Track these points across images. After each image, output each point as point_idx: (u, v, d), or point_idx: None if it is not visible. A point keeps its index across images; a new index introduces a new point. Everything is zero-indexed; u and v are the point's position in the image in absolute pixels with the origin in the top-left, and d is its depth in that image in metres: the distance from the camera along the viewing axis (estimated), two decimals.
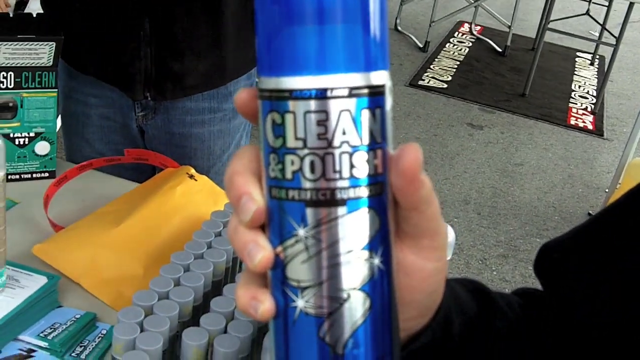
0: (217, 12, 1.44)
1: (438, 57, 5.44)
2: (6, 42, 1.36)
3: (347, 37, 0.40)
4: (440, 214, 0.48)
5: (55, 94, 1.43)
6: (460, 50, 5.67)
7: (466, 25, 6.14)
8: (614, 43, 4.77)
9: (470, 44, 5.84)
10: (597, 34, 5.64)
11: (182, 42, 1.45)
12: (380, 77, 0.43)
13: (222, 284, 1.13)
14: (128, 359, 0.96)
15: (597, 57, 5.89)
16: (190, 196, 1.36)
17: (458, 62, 5.41)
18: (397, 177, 0.45)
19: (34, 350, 1.08)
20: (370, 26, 0.41)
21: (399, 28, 5.78)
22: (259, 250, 0.45)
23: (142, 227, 1.28)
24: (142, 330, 1.00)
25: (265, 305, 0.45)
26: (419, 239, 0.48)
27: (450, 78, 5.07)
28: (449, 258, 1.22)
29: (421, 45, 5.49)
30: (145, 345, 0.97)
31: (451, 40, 5.85)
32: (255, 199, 0.45)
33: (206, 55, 1.49)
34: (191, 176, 1.38)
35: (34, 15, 1.53)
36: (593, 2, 5.58)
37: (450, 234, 1.27)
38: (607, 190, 3.66)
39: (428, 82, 4.93)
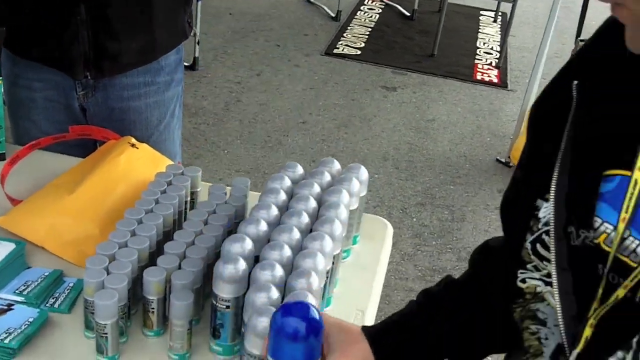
0: None
1: (350, 25, 5.64)
2: None
3: None
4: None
5: (0, 82, 1.56)
6: (371, 17, 5.88)
7: None
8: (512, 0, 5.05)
9: (380, 11, 6.06)
10: None
11: (117, 24, 1.58)
12: None
13: (171, 232, 1.31)
14: (99, 297, 1.13)
15: (500, 14, 6.18)
16: (134, 162, 1.52)
17: (370, 29, 5.61)
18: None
19: (12, 304, 1.23)
20: None
21: (311, 0, 5.95)
22: None
23: (94, 193, 1.43)
24: (108, 274, 1.17)
25: None
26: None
27: (363, 45, 5.28)
28: (363, 194, 1.43)
29: (333, 15, 5.68)
30: (113, 284, 1.15)
31: (361, 8, 6.05)
32: None
33: (139, 34, 1.63)
34: (132, 145, 1.54)
35: None
36: None
37: (364, 174, 1.47)
38: (512, 137, 3.93)
39: (342, 50, 5.13)
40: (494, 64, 5.22)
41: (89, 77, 1.65)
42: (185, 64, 4.48)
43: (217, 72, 4.57)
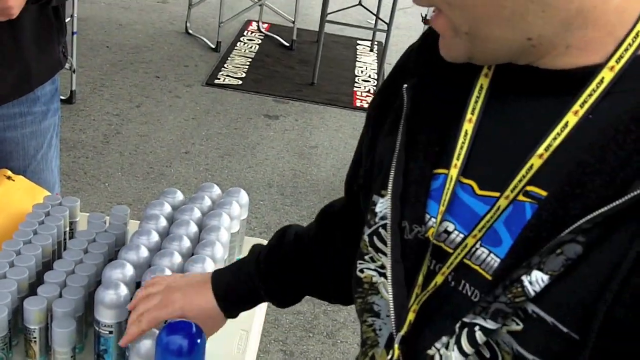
0: (16, 25, 1.54)
1: (230, 56, 5.68)
2: None
3: None
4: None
5: None
6: (251, 47, 5.95)
7: (254, 24, 6.43)
8: (386, 29, 5.23)
9: (260, 41, 6.14)
10: (374, 23, 6.12)
11: None
12: None
13: (51, 262, 1.30)
14: None
15: (376, 43, 6.39)
16: (10, 195, 1.50)
17: (250, 59, 5.68)
18: None
19: None
20: None
21: (190, 31, 5.97)
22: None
23: None
24: None
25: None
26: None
27: (244, 74, 5.33)
28: (244, 217, 1.47)
29: (213, 46, 5.71)
30: None
31: (241, 39, 6.11)
32: None
33: (11, 65, 1.61)
34: (9, 177, 1.53)
35: None
36: None
37: (244, 197, 1.51)
38: None
39: (223, 80, 5.16)
40: (372, 91, 5.39)
41: None
42: (62, 97, 4.41)
43: (95, 105, 4.50)
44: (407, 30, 6.84)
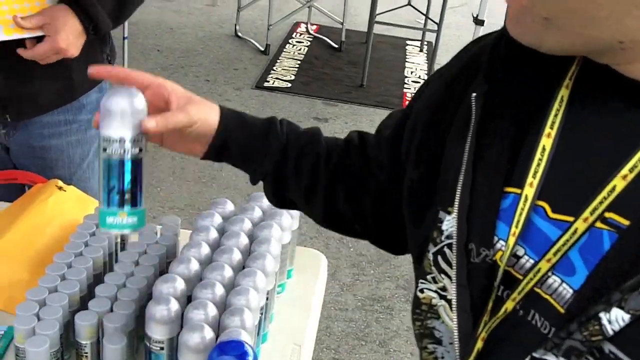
0: None
1: (279, 58, 5.68)
2: None
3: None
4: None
5: None
6: (300, 49, 5.94)
7: (302, 26, 6.42)
8: (436, 29, 5.17)
9: (309, 43, 6.13)
10: (423, 22, 6.06)
11: (30, 67, 1.56)
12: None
13: (102, 275, 1.30)
14: (31, 344, 1.11)
15: (426, 43, 6.32)
16: (62, 205, 1.50)
17: (299, 62, 5.67)
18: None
19: None
20: None
21: (239, 34, 5.98)
22: None
23: (22, 237, 1.42)
24: (39, 320, 1.15)
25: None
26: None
27: (293, 77, 5.32)
28: (295, 228, 1.44)
29: (262, 49, 5.72)
30: (44, 330, 1.13)
31: (290, 41, 6.11)
32: None
33: (55, 76, 1.62)
34: (60, 188, 1.53)
35: None
36: None
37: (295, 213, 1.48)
38: None
39: (273, 83, 5.16)
40: None
41: (8, 119, 1.64)
42: None
43: None
44: (458, 30, 6.76)
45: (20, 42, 1.52)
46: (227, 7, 6.63)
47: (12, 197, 1.62)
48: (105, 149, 0.91)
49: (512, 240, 0.71)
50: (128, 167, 0.91)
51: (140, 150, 0.93)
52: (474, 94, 0.77)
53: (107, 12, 1.56)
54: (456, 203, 0.75)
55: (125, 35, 4.33)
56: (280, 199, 1.11)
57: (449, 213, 0.77)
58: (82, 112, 1.72)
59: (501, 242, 0.72)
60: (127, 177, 0.92)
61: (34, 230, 1.44)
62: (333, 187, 1.03)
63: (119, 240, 1.43)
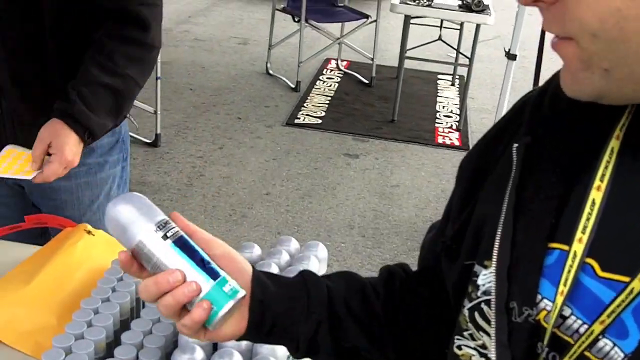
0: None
1: (310, 95, 5.71)
2: None
3: None
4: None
5: None
6: (330, 86, 5.97)
7: (333, 62, 6.46)
8: (468, 63, 5.16)
9: (339, 79, 6.15)
10: (454, 56, 6.06)
11: (37, 115, 1.60)
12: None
13: (129, 321, 1.29)
14: None
15: (457, 77, 6.31)
16: (90, 250, 1.50)
17: (329, 98, 5.69)
18: None
19: None
20: None
21: (270, 72, 6.03)
22: None
23: (51, 282, 1.42)
24: None
25: None
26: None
27: (323, 113, 5.34)
28: (323, 272, 1.43)
29: (293, 86, 5.75)
30: None
31: (320, 77, 6.14)
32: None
33: None
34: (88, 232, 1.53)
35: None
36: (445, 27, 6.01)
37: (323, 251, 1.47)
38: None
39: (303, 120, 5.17)
40: (454, 126, 5.30)
41: None
42: (147, 140, 4.51)
43: (179, 147, 4.57)
44: (490, 63, 6.75)
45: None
46: (258, 45, 6.70)
47: (34, 237, 1.64)
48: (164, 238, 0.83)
49: (559, 299, 0.67)
50: (175, 251, 0.81)
51: (169, 231, 0.82)
52: (515, 145, 0.75)
53: (104, 115, 1.60)
54: (494, 257, 0.73)
55: (158, 75, 4.38)
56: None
57: (486, 267, 0.75)
58: (92, 155, 1.74)
59: (545, 301, 0.69)
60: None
61: (62, 275, 1.44)
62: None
63: None
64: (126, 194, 0.85)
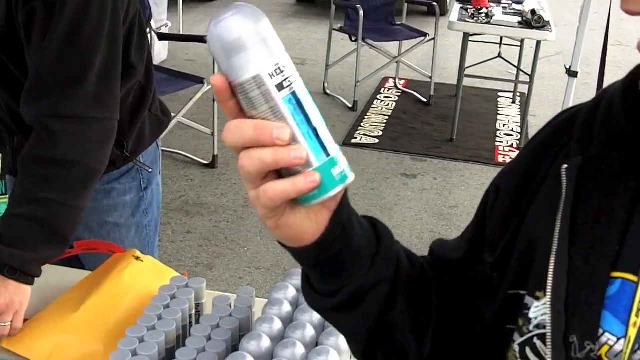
0: None
1: (367, 114, 5.68)
2: None
3: None
4: None
5: (6, 200, 1.57)
6: (388, 105, 5.93)
7: (391, 81, 6.42)
8: (529, 80, 5.06)
9: (397, 98, 6.11)
10: (515, 73, 5.96)
11: None
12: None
13: (174, 350, 1.27)
14: None
15: (518, 94, 6.19)
16: (138, 276, 1.50)
17: (387, 117, 5.65)
18: None
19: None
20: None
21: (328, 91, 6.02)
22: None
23: (98, 310, 1.41)
24: None
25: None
26: None
27: (380, 133, 5.30)
28: None
29: (350, 105, 5.73)
30: None
31: (378, 96, 6.11)
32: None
33: None
34: (137, 258, 1.53)
35: None
36: (504, 44, 5.92)
37: None
38: None
39: (360, 140, 5.14)
40: (515, 145, 5.20)
41: None
42: (205, 162, 4.55)
43: (235, 168, 4.56)
44: (551, 80, 6.61)
45: None
46: (316, 65, 6.71)
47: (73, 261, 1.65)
48: (278, 87, 0.65)
49: (633, 332, 0.62)
50: (286, 108, 0.65)
51: (286, 80, 0.65)
52: (565, 166, 0.69)
53: (33, 246, 1.41)
54: (549, 288, 0.67)
55: (215, 98, 4.41)
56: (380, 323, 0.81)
57: (538, 299, 0.70)
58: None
59: (607, 335, 0.64)
60: (314, 114, 0.67)
61: (110, 302, 1.43)
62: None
63: (193, 312, 1.41)
64: (248, 7, 0.64)
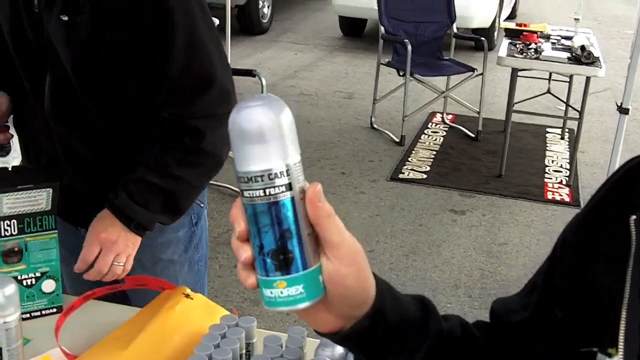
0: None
1: (415, 149, 5.64)
2: (8, 193, 1.50)
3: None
4: (343, 230, 0.70)
5: (55, 235, 1.56)
6: (435, 140, 5.88)
7: (438, 115, 6.38)
8: (578, 117, 4.97)
9: (445, 133, 6.06)
10: (564, 109, 5.88)
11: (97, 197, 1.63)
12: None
13: None
14: None
15: (567, 130, 6.10)
16: (188, 314, 1.48)
17: (434, 152, 5.60)
18: (307, 202, 0.67)
19: None
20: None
21: (375, 126, 6.01)
22: (243, 253, 0.68)
23: (148, 347, 1.39)
24: None
25: (251, 279, 0.68)
26: (330, 248, 0.68)
27: (428, 168, 5.25)
28: None
29: (397, 140, 5.70)
30: None
31: (425, 131, 6.07)
32: (240, 224, 0.68)
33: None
34: (187, 295, 1.51)
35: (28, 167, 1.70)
36: (554, 80, 5.84)
37: None
38: None
39: (408, 175, 5.10)
40: (564, 182, 5.10)
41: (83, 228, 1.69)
42: None
43: None
44: (600, 116, 6.51)
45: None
46: (363, 99, 6.71)
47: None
48: (243, 192, 0.66)
49: None
50: (278, 212, 0.66)
51: (289, 185, 0.66)
52: (634, 217, 0.67)
53: (155, 211, 1.61)
54: (620, 345, 0.64)
55: None
56: None
57: (610, 356, 0.68)
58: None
59: None
60: (277, 229, 0.66)
61: (159, 340, 1.41)
62: None
63: (244, 351, 1.38)
64: (274, 99, 0.67)
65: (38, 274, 1.57)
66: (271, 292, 0.67)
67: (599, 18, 11.27)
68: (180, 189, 1.62)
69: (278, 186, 0.65)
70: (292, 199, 0.66)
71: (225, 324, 1.40)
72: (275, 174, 0.65)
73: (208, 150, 1.60)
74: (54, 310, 1.59)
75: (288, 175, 0.66)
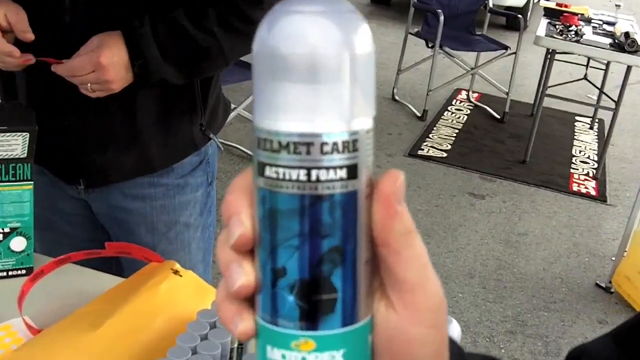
0: (130, 105, 1.42)
1: (437, 125, 5.40)
2: None
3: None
4: (427, 267, 0.42)
5: (31, 187, 1.35)
6: (459, 118, 5.64)
7: (464, 93, 6.12)
8: (613, 107, 4.72)
9: (469, 112, 5.81)
10: (595, 97, 5.61)
11: (101, 138, 1.45)
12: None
13: None
14: None
15: (597, 120, 5.84)
16: (175, 294, 1.26)
17: (457, 130, 5.36)
18: (375, 203, 0.39)
19: None
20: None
21: (397, 97, 5.76)
22: (240, 276, 0.40)
23: (123, 330, 1.18)
24: None
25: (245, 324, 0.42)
26: (400, 292, 0.41)
27: (449, 147, 5.01)
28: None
29: (419, 114, 5.46)
30: None
31: (449, 108, 5.82)
32: (243, 222, 0.40)
33: (127, 149, 1.48)
34: (176, 272, 1.29)
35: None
36: (591, 67, 5.57)
37: (456, 329, 1.18)
38: (613, 258, 3.54)
39: (427, 152, 4.87)
40: (591, 174, 4.86)
41: (80, 185, 1.52)
42: None
43: None
44: (632, 108, 6.24)
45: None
46: (387, 69, 6.44)
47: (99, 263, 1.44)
48: (264, 168, 0.38)
49: None
50: (325, 215, 0.38)
51: (353, 169, 0.39)
52: None
53: (169, 57, 1.37)
54: None
55: None
56: None
57: None
58: (170, 175, 1.54)
59: None
60: (317, 246, 0.38)
61: (138, 322, 1.20)
62: None
63: (235, 346, 1.17)
64: (345, 8, 0.41)
65: (7, 230, 1.36)
66: (283, 356, 0.39)
67: (632, 7, 10.92)
68: (208, 48, 1.40)
69: (332, 168, 0.37)
70: (354, 194, 0.38)
71: (215, 311, 1.19)
72: (331, 144, 0.37)
73: (257, 20, 1.38)
74: (23, 271, 1.39)
75: (353, 149, 0.38)
